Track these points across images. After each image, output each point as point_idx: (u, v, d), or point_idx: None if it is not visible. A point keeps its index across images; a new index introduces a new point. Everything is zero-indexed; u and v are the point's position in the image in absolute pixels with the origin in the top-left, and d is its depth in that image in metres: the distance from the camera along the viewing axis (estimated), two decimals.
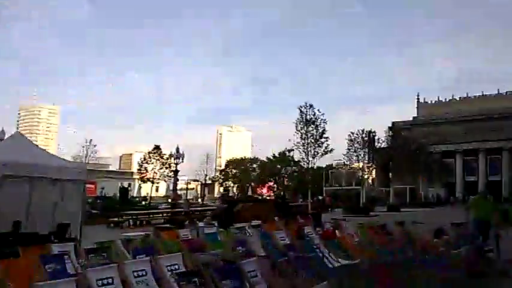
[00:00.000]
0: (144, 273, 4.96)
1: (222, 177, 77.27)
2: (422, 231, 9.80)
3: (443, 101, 71.86)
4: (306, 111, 29.32)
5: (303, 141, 28.97)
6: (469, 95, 70.12)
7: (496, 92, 67.94)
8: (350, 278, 6.54)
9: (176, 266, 5.38)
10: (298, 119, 29.33)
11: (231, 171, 77.88)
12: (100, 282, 4.38)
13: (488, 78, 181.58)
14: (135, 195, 54.02)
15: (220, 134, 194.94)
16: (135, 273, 4.89)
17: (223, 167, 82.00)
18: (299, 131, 29.12)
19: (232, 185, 75.25)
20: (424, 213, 31.25)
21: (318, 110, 29.49)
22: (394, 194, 45.61)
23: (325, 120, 29.39)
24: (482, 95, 68.43)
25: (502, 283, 7.61)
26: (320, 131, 28.99)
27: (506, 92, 66.92)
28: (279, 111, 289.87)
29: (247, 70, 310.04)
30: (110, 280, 4.47)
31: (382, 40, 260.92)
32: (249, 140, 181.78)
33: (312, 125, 29.07)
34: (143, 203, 41.45)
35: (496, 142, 60.58)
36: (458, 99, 70.42)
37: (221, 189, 74.31)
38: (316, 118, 29.22)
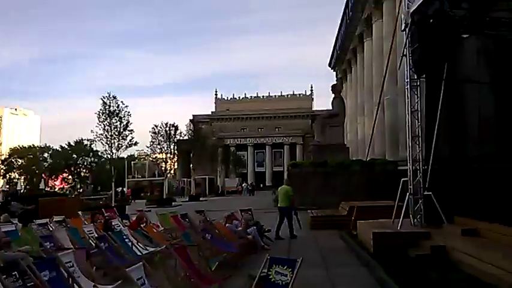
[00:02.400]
0: None
1: (5, 168, 67.44)
2: (218, 217, 11.45)
3: (238, 98, 79.94)
4: (110, 103, 28.69)
5: (106, 133, 28.31)
6: (258, 95, 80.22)
7: (279, 94, 79.60)
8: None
9: None
10: (100, 109, 28.47)
11: (16, 161, 68.83)
12: None
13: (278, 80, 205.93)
14: None
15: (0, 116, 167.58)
16: None
17: (5, 156, 71.44)
18: (102, 122, 28.32)
19: (18, 177, 66.41)
20: (221, 201, 34.69)
21: (122, 102, 29.22)
22: (195, 185, 48.50)
23: (129, 112, 29.33)
24: (269, 95, 79.43)
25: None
26: (124, 123, 28.81)
27: (287, 95, 79.17)
28: (72, 95, 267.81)
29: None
30: None
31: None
32: (38, 125, 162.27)
33: (116, 117, 28.66)
34: None
35: (279, 138, 71.34)
36: (250, 97, 79.64)
37: (3, 181, 64.62)
38: (120, 110, 28.90)
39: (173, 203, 31.72)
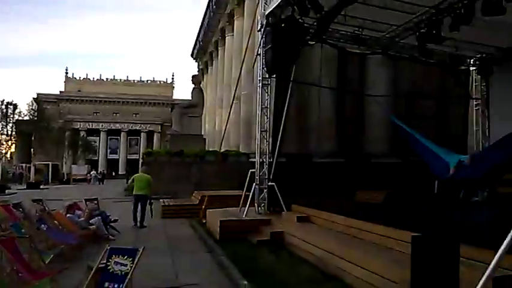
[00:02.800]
0: None
1: None
2: (59, 207, 10.54)
3: (92, 79, 74.12)
4: None
5: None
6: (115, 78, 75.54)
7: (139, 79, 76.47)
8: None
9: None
10: None
11: None
12: None
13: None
14: None
15: None
16: None
17: None
18: None
19: None
20: (65, 189, 31.86)
21: None
22: (35, 171, 43.61)
23: None
24: (127, 79, 75.50)
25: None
26: None
27: (147, 80, 76.50)
28: None
29: None
30: None
31: None
32: None
33: None
34: None
35: (136, 124, 68.43)
36: (105, 79, 74.47)
37: None
38: None
39: (7, 191, 28.12)
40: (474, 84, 12.82)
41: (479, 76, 12.58)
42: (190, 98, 25.47)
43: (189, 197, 16.22)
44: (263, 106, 10.62)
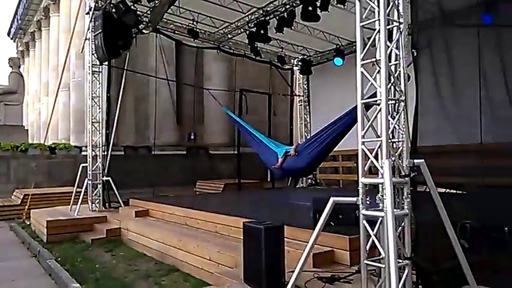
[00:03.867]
0: None
1: None
2: None
3: None
4: None
5: None
6: None
7: None
8: None
9: None
10: None
11: None
12: None
13: None
14: None
15: None
16: None
17: None
18: None
19: None
20: None
21: None
22: None
23: None
24: None
25: None
26: None
27: None
28: None
29: None
30: None
31: None
32: None
33: None
34: None
35: None
36: None
37: None
38: None
39: None
40: (297, 82, 14.34)
41: (301, 75, 14.10)
42: (7, 84, 22.21)
43: (10, 196, 14.30)
44: (94, 95, 9.94)
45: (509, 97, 6.02)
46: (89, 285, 5.24)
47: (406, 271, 3.16)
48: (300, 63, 13.68)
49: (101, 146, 10.00)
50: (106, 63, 10.00)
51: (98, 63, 9.75)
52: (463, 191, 6.89)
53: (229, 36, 12.19)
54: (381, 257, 3.25)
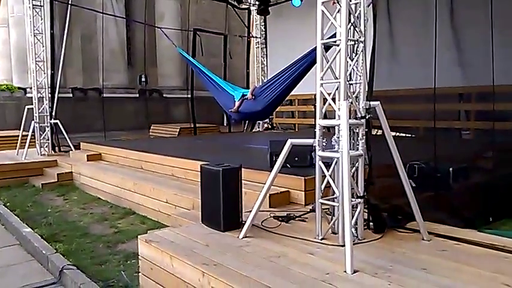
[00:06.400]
0: None
1: None
2: None
3: None
4: None
5: None
6: None
7: None
8: None
9: None
10: None
11: None
12: None
13: None
14: None
15: None
16: None
17: None
18: None
19: None
20: None
21: None
22: None
23: None
24: None
25: None
26: None
27: None
28: None
29: None
30: None
31: None
32: None
33: None
34: None
35: None
36: None
37: None
38: None
39: None
40: (255, 23, 13.92)
41: (259, 16, 13.68)
42: None
43: None
44: (36, 32, 9.20)
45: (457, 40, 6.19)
46: (42, 229, 5.12)
47: (358, 209, 3.31)
48: (257, 2, 13.22)
49: (46, 87, 9.43)
50: None
51: None
52: (413, 135, 7.24)
53: None
54: (335, 196, 3.37)
